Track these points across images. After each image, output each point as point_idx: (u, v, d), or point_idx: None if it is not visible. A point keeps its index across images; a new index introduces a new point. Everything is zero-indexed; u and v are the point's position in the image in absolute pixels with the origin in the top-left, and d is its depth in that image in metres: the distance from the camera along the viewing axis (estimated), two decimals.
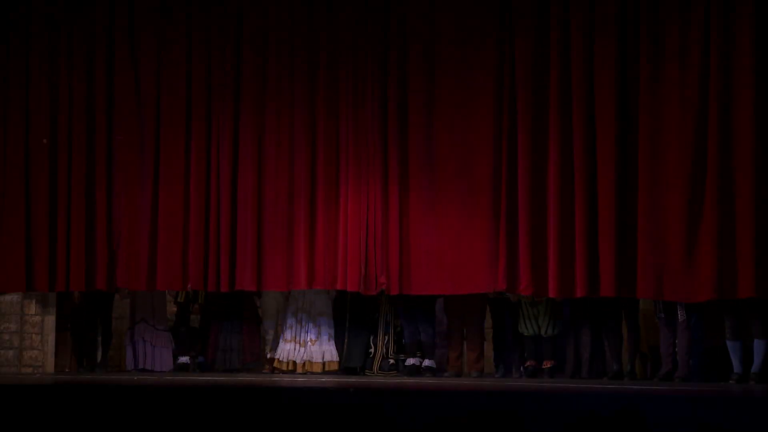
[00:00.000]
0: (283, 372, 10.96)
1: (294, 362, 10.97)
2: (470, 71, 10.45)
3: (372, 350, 11.04)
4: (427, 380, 10.21)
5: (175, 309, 11.69)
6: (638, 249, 9.85)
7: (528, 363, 10.77)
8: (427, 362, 10.91)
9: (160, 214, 10.90)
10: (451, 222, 10.39)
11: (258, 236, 10.77)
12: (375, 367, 10.98)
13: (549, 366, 10.69)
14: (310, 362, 10.92)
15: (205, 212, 10.88)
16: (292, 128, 10.80)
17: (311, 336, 10.98)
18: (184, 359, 11.51)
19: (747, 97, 9.64)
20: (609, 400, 7.62)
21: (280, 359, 11.04)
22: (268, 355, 11.35)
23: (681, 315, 9.99)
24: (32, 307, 11.24)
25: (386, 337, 11.04)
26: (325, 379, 10.25)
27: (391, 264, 10.50)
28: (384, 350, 11.03)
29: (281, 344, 11.08)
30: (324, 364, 10.94)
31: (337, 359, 10.99)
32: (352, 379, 10.20)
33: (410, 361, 10.92)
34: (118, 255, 10.95)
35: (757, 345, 9.66)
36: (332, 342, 11.01)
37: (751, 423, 6.82)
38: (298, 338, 11.00)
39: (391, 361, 11.01)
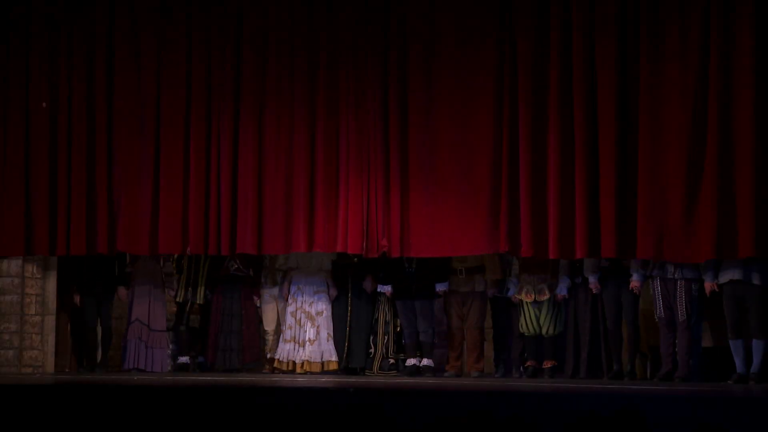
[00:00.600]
0: (283, 372, 10.96)
1: (293, 362, 10.98)
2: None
3: (372, 350, 11.04)
4: (427, 380, 10.21)
5: (175, 309, 11.69)
6: (638, 209, 9.85)
7: (528, 363, 10.78)
8: (425, 361, 10.91)
9: (162, 178, 10.90)
10: (451, 184, 10.37)
11: (258, 200, 10.77)
12: (375, 367, 10.98)
13: (549, 366, 10.69)
14: (309, 362, 10.93)
15: (205, 177, 10.87)
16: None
17: (310, 336, 10.98)
18: (184, 359, 11.52)
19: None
20: (609, 400, 7.62)
21: (280, 359, 11.05)
22: (268, 355, 11.36)
23: (681, 315, 9.99)
24: (32, 307, 11.25)
25: (386, 337, 11.05)
26: (325, 379, 10.25)
27: (392, 226, 10.50)
28: (384, 350, 11.03)
29: (281, 344, 11.09)
30: (323, 363, 10.94)
31: (336, 359, 11.00)
32: (352, 379, 10.20)
33: (410, 361, 10.92)
34: (119, 219, 10.96)
35: (756, 345, 9.67)
36: (331, 342, 11.01)
37: (751, 423, 6.82)
38: (297, 338, 11.01)
39: (391, 361, 11.02)
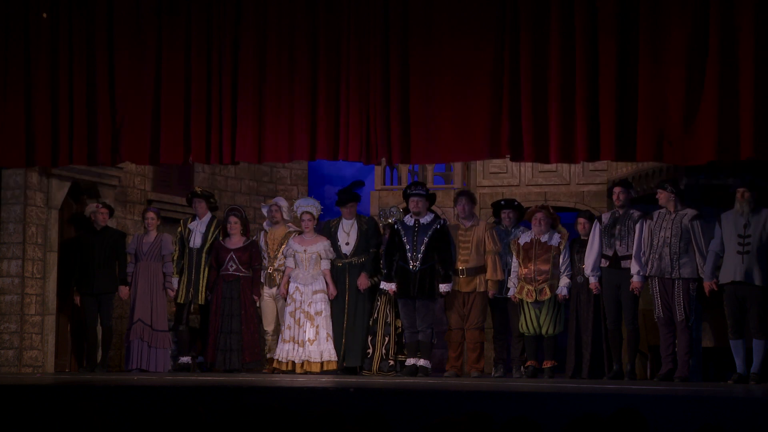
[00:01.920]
0: (283, 372, 10.96)
1: (293, 362, 10.98)
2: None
3: (370, 351, 11.03)
4: (427, 380, 10.20)
5: (174, 309, 11.70)
6: (638, 111, 9.78)
7: (528, 363, 10.78)
8: (421, 362, 10.90)
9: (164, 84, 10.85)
10: (452, 90, 10.29)
11: (259, 110, 10.73)
12: (374, 368, 10.98)
13: (549, 366, 10.69)
14: (309, 362, 10.92)
15: (207, 86, 10.81)
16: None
17: (309, 336, 10.98)
18: (184, 359, 11.52)
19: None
20: (609, 400, 7.63)
21: (279, 359, 11.05)
22: (268, 355, 11.36)
23: (679, 315, 9.99)
24: (32, 307, 11.25)
25: (386, 338, 11.04)
26: (324, 379, 10.26)
27: (392, 134, 10.43)
28: (384, 351, 11.03)
29: (280, 344, 11.09)
30: (322, 363, 10.94)
31: (336, 359, 10.99)
32: (352, 379, 10.21)
33: (410, 361, 10.92)
34: (122, 129, 10.93)
35: (756, 345, 9.67)
36: (330, 341, 11.01)
37: (751, 423, 6.83)
38: (296, 338, 11.01)
39: (391, 361, 11.01)
